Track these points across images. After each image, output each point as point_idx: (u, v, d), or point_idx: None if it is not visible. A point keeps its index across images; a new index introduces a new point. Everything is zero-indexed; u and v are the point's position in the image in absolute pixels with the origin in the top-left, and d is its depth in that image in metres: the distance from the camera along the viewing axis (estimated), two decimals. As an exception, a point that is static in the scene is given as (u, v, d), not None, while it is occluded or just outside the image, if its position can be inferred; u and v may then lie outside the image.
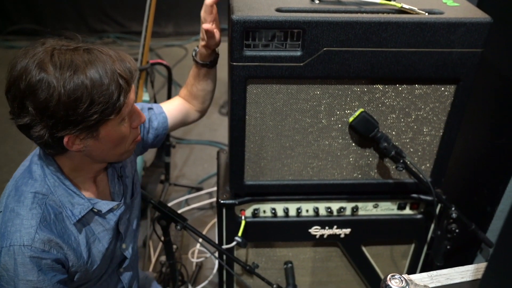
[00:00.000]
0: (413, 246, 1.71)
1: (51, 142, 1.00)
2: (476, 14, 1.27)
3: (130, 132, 1.12)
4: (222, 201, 1.53)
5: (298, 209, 1.57)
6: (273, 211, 1.57)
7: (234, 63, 1.25)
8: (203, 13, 1.25)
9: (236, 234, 1.54)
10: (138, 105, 1.31)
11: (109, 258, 1.26)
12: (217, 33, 1.29)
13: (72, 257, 1.11)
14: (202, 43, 1.31)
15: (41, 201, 1.07)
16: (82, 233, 1.14)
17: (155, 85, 2.62)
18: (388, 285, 0.90)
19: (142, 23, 2.25)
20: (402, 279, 0.91)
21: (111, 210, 1.20)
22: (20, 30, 4.56)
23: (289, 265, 1.69)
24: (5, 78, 0.99)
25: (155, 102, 2.51)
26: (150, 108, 1.39)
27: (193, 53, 1.38)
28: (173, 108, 1.44)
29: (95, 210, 1.16)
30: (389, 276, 0.91)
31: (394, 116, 1.40)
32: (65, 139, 1.00)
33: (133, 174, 1.36)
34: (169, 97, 2.71)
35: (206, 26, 1.23)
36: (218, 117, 3.57)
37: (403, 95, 1.36)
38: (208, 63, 1.37)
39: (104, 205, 1.18)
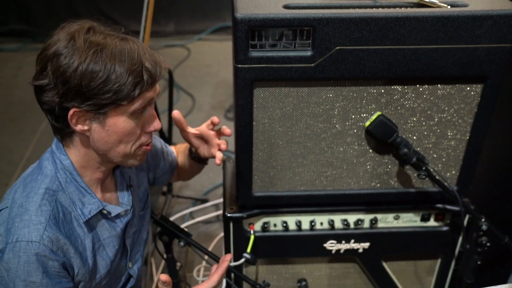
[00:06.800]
0: (439, 261, 1.69)
1: (58, 112, 1.06)
2: (505, 5, 1.26)
3: (140, 134, 1.15)
4: (228, 215, 1.53)
5: (311, 222, 1.56)
6: (285, 225, 1.56)
7: (239, 65, 1.25)
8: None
9: (245, 250, 1.54)
10: (157, 140, 1.47)
11: (114, 275, 1.29)
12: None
13: (78, 261, 1.13)
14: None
15: (51, 197, 1.11)
16: (89, 237, 1.17)
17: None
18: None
19: (140, 21, 2.26)
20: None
21: (118, 216, 1.25)
22: (9, 31, 4.53)
23: (303, 283, 1.69)
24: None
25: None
26: (166, 146, 1.54)
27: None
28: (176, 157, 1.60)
29: (105, 211, 1.20)
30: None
31: (414, 119, 1.39)
32: (70, 112, 1.04)
33: (145, 187, 1.41)
34: (170, 100, 2.73)
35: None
36: (224, 122, 3.58)
37: (424, 96, 1.36)
38: (197, 159, 1.51)
39: (113, 209, 1.22)
